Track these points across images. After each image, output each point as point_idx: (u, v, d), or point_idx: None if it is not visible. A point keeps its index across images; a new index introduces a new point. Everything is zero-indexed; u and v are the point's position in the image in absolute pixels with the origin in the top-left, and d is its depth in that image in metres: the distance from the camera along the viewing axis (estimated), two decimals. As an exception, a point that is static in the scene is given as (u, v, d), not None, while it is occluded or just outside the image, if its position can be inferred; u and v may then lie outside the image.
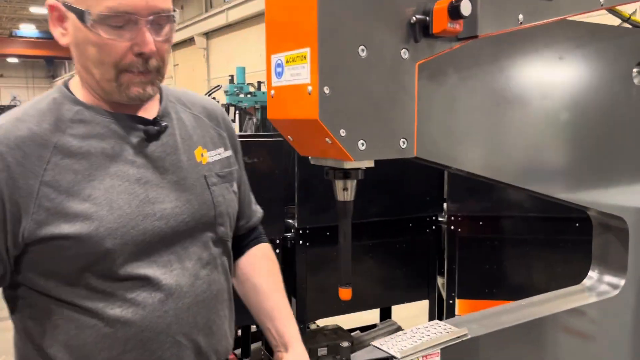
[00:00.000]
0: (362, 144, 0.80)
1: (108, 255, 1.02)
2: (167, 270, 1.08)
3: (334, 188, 0.90)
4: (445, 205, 3.28)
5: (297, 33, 0.78)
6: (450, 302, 3.29)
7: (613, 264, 1.28)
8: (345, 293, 0.92)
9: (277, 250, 2.94)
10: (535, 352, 1.15)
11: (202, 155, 1.18)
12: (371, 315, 3.71)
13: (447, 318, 3.46)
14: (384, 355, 0.96)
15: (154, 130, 1.10)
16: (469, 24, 0.83)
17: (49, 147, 1.01)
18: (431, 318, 3.63)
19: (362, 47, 0.78)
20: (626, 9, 1.22)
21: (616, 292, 1.25)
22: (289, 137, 0.89)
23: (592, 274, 1.33)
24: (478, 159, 1.00)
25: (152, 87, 1.06)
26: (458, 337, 1.01)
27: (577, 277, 3.31)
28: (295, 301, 3.01)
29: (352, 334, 3.58)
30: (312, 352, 3.25)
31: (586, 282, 1.33)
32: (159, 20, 1.02)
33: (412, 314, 3.96)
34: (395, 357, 0.96)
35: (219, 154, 1.21)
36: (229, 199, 1.21)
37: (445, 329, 1.04)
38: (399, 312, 3.79)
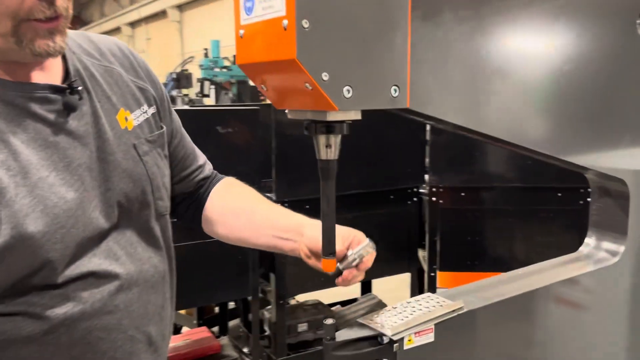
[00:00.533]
0: (348, 91, 0.69)
1: (48, 264, 0.86)
2: (111, 260, 0.94)
3: (315, 145, 0.79)
4: (426, 176, 3.20)
5: (269, -43, 0.65)
6: (432, 274, 3.24)
7: (612, 230, 1.20)
8: (328, 264, 0.81)
9: (254, 225, 2.83)
10: (533, 324, 1.07)
11: (126, 119, 0.99)
12: (351, 289, 3.65)
13: (428, 291, 3.42)
14: (372, 332, 0.86)
15: (75, 101, 0.91)
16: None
17: None
18: (412, 291, 3.58)
19: (346, -28, 0.66)
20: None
21: (616, 259, 1.17)
22: (262, 86, 0.77)
23: (589, 240, 1.24)
24: (474, 113, 0.89)
25: (61, 36, 0.86)
26: (454, 310, 0.92)
27: (559, 247, 3.29)
28: (274, 277, 2.92)
29: (333, 308, 3.51)
30: (292, 328, 3.18)
31: (583, 249, 1.25)
32: None
33: (392, 287, 3.91)
34: (384, 335, 0.86)
35: (144, 113, 1.04)
36: (162, 166, 1.06)
37: (438, 302, 0.95)
38: (379, 285, 3.74)
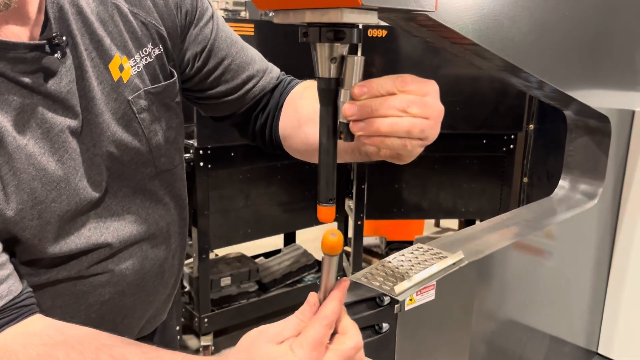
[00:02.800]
0: (374, -21, 0.51)
1: (25, 243, 0.77)
2: (102, 230, 0.85)
3: (313, 58, 0.60)
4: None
5: None
6: (359, 222, 3.19)
7: (589, 172, 1.14)
8: (325, 212, 0.64)
9: (174, 174, 2.58)
10: (523, 273, 0.98)
11: (121, 68, 0.81)
12: (273, 241, 3.52)
13: (355, 240, 3.38)
14: (370, 294, 0.71)
15: (56, 63, 0.74)
16: None
17: None
18: (337, 240, 3.52)
19: None
20: None
21: (594, 202, 1.11)
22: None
23: (564, 183, 1.18)
24: (490, 32, 0.75)
25: None
26: (454, 263, 0.79)
27: (483, 192, 3.33)
28: (195, 230, 2.70)
29: (256, 260, 3.37)
30: (214, 282, 3.00)
31: (558, 192, 1.18)
32: None
33: (316, 237, 3.83)
34: (384, 295, 0.72)
35: (146, 56, 0.84)
36: (167, 119, 0.89)
37: (434, 254, 0.82)
38: (303, 235, 3.64)
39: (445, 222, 4.76)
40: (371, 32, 2.77)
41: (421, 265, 0.78)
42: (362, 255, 3.29)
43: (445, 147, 3.11)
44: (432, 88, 0.64)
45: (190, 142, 2.56)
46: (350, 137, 0.61)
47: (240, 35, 1.00)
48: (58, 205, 0.77)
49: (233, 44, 0.95)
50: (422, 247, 0.85)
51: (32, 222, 0.75)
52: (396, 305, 0.73)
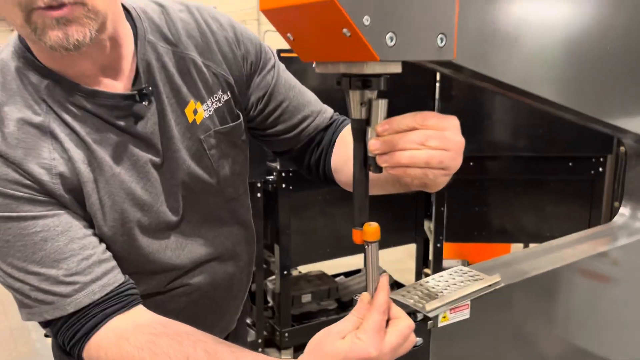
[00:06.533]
0: (392, 38, 0.60)
1: (115, 256, 0.94)
2: (179, 251, 1.01)
3: (347, 103, 0.70)
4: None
5: None
6: (438, 245, 3.20)
7: (650, 199, 1.13)
8: (359, 235, 0.74)
9: (259, 195, 2.76)
10: (567, 299, 1.00)
11: (195, 112, 0.96)
12: (354, 261, 3.60)
13: (434, 262, 3.38)
14: (408, 310, 0.79)
15: (144, 110, 0.90)
16: None
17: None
18: (418, 262, 3.53)
19: None
20: None
21: (654, 230, 1.10)
22: (288, 35, 0.68)
23: (624, 210, 1.17)
24: (522, 69, 0.81)
25: (79, 27, 0.77)
26: (490, 285, 0.85)
27: (569, 217, 3.21)
28: (278, 248, 2.86)
29: (336, 279, 3.47)
30: (295, 299, 3.14)
31: (618, 220, 1.17)
32: None
33: (397, 258, 3.87)
34: (418, 312, 0.79)
35: (217, 102, 0.99)
36: (233, 155, 1.03)
37: (472, 275, 0.88)
38: (384, 256, 3.67)
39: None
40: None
41: (457, 285, 0.85)
42: (441, 277, 3.28)
43: (529, 170, 3.05)
44: (451, 123, 0.71)
45: (273, 165, 2.73)
46: (379, 169, 0.70)
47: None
48: (143, 225, 0.92)
49: (291, 88, 1.07)
50: (461, 269, 0.91)
51: (121, 238, 0.91)
52: (429, 322, 0.80)
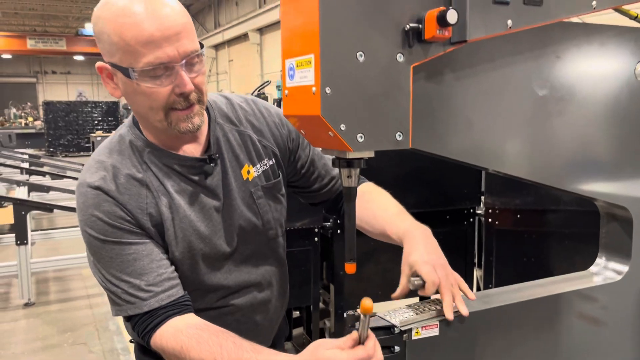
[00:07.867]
0: (361, 137, 0.93)
1: (181, 274, 1.29)
2: (228, 275, 1.35)
3: (339, 175, 1.03)
4: (482, 198, 3.33)
5: (304, 40, 0.90)
6: (486, 293, 3.34)
7: (618, 252, 1.34)
8: (350, 267, 1.05)
9: (316, 239, 3.08)
10: (535, 331, 1.24)
11: (248, 172, 1.35)
12: (402, 302, 3.79)
13: (483, 309, 3.50)
14: (386, 324, 1.08)
15: (211, 169, 1.28)
16: (459, 29, 0.93)
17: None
18: (469, 309, 3.67)
19: (360, 52, 0.89)
20: (633, 8, 1.27)
21: (620, 277, 1.31)
22: (301, 130, 1.02)
23: (599, 261, 1.39)
24: (476, 150, 1.10)
25: (198, 117, 1.22)
26: (457, 311, 1.12)
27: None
28: (332, 288, 3.15)
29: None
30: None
31: (593, 268, 1.39)
32: (191, 60, 1.17)
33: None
34: (395, 326, 1.08)
35: (264, 165, 1.37)
36: (274, 205, 1.39)
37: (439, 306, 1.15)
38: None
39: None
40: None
41: (432, 310, 1.13)
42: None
43: (575, 222, 3.17)
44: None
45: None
46: None
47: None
48: (204, 253, 1.29)
49: (321, 157, 1.48)
50: (439, 299, 1.18)
51: (187, 261, 1.28)
52: (404, 335, 1.08)
